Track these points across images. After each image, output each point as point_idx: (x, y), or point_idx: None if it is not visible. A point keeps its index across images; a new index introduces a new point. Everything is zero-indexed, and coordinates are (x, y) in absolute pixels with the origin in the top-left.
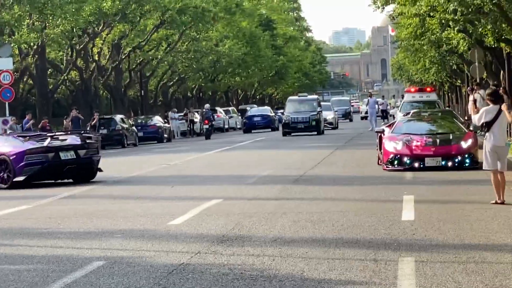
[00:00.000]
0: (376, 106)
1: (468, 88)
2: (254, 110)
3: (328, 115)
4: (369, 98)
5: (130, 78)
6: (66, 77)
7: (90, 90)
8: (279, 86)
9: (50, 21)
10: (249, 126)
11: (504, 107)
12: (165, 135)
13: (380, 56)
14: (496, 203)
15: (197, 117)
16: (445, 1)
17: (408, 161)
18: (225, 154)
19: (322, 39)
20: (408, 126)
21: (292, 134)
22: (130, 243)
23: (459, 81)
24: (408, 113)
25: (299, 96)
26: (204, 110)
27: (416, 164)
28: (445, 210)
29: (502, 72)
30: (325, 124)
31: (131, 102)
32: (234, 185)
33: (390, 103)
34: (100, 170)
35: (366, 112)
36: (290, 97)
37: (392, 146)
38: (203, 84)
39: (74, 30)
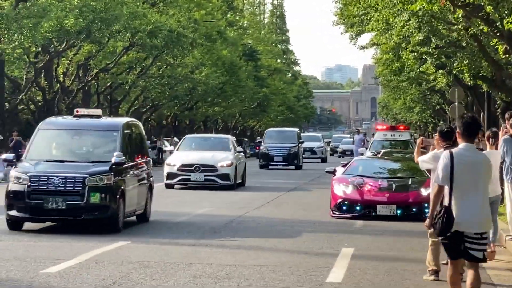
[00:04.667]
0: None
1: None
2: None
3: (222, 161)
4: (355, 134)
5: (98, 101)
6: (23, 97)
7: (53, 111)
8: (261, 118)
9: (5, 35)
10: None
11: (418, 140)
12: None
13: (370, 94)
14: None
15: (166, 146)
16: (415, 31)
17: (358, 208)
18: (172, 188)
19: (314, 74)
20: (364, 167)
21: None
22: None
23: (441, 122)
24: (378, 153)
25: None
26: None
27: (367, 212)
28: (383, 270)
29: (482, 113)
30: (210, 177)
31: None
32: (156, 225)
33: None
34: None
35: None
36: None
37: (341, 189)
38: (178, 112)
39: (32, 47)
